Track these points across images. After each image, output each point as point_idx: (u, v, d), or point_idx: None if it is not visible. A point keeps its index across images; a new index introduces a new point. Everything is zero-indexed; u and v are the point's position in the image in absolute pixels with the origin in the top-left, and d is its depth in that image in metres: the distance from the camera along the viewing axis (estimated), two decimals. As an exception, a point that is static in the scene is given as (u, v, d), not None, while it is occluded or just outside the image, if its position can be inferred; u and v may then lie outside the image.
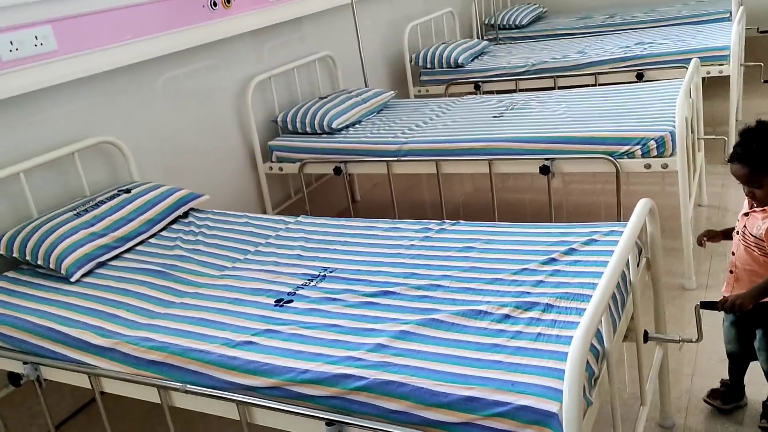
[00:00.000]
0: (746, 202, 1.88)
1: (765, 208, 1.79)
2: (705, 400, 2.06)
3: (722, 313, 1.85)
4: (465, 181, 4.16)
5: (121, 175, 2.72)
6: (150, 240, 2.38)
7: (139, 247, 2.33)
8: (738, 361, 2.01)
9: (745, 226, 1.84)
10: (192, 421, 2.34)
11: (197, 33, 3.02)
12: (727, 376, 2.05)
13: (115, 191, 2.48)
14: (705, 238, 2.01)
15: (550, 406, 1.27)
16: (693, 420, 2.02)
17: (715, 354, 2.19)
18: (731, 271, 1.91)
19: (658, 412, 2.02)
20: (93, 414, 2.46)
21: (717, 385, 2.08)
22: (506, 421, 1.30)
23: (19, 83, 2.31)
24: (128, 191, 2.48)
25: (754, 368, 1.96)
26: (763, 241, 1.77)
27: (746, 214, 1.85)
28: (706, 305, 1.88)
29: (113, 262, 2.24)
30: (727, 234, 1.97)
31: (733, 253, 1.90)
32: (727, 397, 2.04)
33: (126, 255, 2.28)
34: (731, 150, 1.82)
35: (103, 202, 2.39)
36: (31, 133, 2.41)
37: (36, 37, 2.37)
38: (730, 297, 1.78)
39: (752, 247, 1.82)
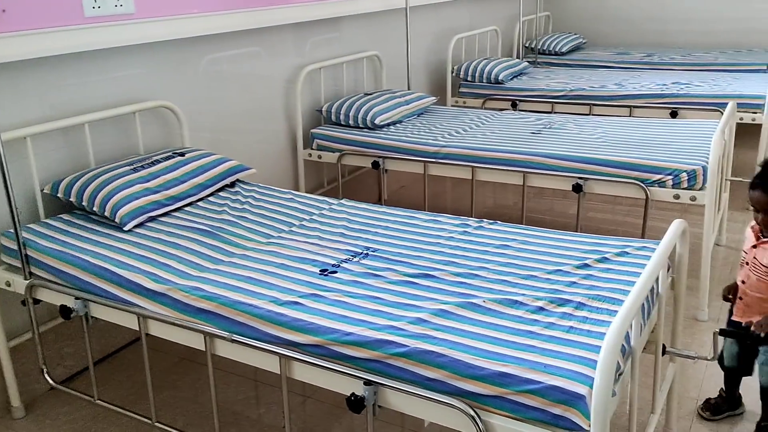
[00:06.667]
0: (751, 234, 1.97)
1: None
2: (698, 412, 2.18)
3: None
4: (490, 193, 4.27)
5: (172, 140, 2.85)
6: (198, 203, 2.50)
7: (187, 208, 2.45)
8: (733, 375, 2.14)
9: (755, 257, 1.93)
10: (220, 377, 2.44)
11: (261, 15, 3.16)
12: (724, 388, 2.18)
13: (170, 153, 2.60)
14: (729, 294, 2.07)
15: (580, 389, 1.37)
16: (695, 438, 2.11)
17: (721, 381, 2.28)
18: (740, 298, 2.00)
19: (661, 427, 2.11)
20: (119, 360, 2.57)
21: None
22: (536, 398, 1.40)
23: (96, 39, 2.44)
24: (182, 155, 2.60)
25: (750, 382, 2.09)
26: None
27: (755, 246, 1.93)
28: (726, 333, 1.99)
29: (163, 218, 2.35)
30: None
31: (743, 282, 1.98)
32: (719, 408, 2.16)
33: (175, 213, 2.40)
34: (752, 180, 1.92)
35: (158, 161, 2.51)
36: (99, 88, 2.54)
37: (118, -2, 2.51)
38: (761, 320, 1.88)
39: (764, 277, 1.91)
